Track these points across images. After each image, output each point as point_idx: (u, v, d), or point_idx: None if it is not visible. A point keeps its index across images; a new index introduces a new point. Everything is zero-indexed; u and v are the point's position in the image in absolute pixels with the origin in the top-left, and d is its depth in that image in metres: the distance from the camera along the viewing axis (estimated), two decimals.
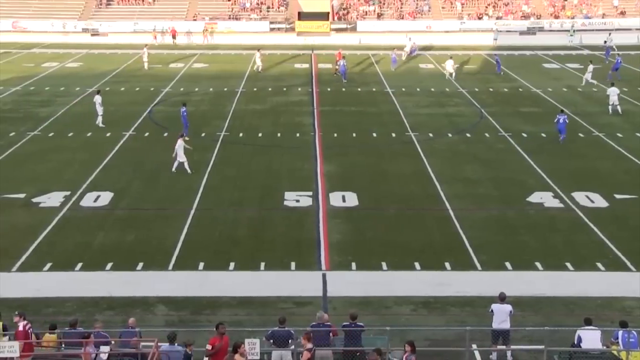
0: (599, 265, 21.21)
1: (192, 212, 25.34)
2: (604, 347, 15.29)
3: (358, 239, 23.29)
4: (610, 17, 71.47)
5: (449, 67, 49.61)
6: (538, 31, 69.55)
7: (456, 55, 59.42)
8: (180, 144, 29.02)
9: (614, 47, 59.22)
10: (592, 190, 27.13)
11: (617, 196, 26.55)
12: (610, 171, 29.71)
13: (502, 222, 24.65)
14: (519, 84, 48.00)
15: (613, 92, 39.08)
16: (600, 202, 26.11)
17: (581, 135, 35.09)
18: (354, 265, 21.34)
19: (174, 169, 28.90)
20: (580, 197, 26.53)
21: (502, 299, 16.65)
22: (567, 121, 34.32)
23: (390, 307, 19.00)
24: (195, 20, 70.59)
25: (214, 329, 14.95)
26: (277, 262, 21.43)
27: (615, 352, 15.12)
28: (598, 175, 29.05)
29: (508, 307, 16.48)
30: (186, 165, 28.84)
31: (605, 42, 57.68)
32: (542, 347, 14.69)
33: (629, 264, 21.24)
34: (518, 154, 32.07)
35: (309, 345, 14.54)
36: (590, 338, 15.27)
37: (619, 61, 49.61)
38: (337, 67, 50.96)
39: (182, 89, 46.53)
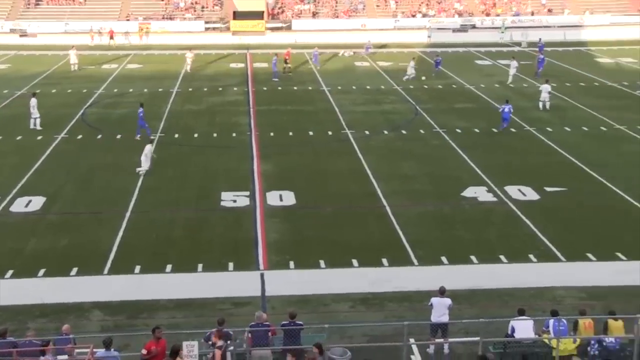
0: (531, 257, 21.70)
1: (128, 214, 24.98)
2: (536, 336, 15.68)
3: (296, 237, 23.31)
4: (539, 15, 73.16)
5: (410, 68, 49.41)
6: (470, 28, 70.70)
7: (391, 52, 60.10)
8: (149, 149, 28.84)
9: (526, 43, 61.27)
10: (524, 183, 27.72)
11: (548, 189, 27.20)
12: (541, 165, 30.41)
13: (437, 217, 24.99)
14: (452, 80, 48.72)
15: (545, 89, 39.86)
16: (532, 195, 26.70)
17: (513, 130, 35.80)
18: (292, 264, 21.36)
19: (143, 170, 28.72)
20: (512, 190, 27.08)
21: (441, 292, 16.88)
22: (512, 110, 35.65)
23: (329, 304, 19.08)
24: (128, 20, 69.56)
25: (151, 333, 14.77)
26: (215, 263, 21.30)
27: (546, 340, 15.51)
28: (529, 169, 29.70)
29: (448, 301, 16.73)
30: (142, 169, 28.59)
31: (539, 39, 58.93)
32: (477, 338, 14.95)
33: (559, 254, 21.79)
34: (453, 150, 32.56)
35: (220, 343, 14.49)
36: (523, 328, 15.64)
37: (543, 59, 50.67)
38: (287, 65, 51.33)
39: (115, 90, 45.81)
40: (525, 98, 42.67)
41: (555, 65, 51.69)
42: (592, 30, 69.72)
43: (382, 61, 56.49)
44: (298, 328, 15.32)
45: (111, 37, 65.46)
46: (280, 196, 26.77)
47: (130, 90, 45.90)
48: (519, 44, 63.99)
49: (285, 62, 51.67)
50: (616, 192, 26.97)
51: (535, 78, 47.54)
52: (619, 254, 21.70)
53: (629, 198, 26.27)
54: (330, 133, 35.55)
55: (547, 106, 39.35)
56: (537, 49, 56.59)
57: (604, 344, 15.52)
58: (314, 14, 72.90)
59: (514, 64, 48.07)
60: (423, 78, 48.25)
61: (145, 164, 28.75)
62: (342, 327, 16.76)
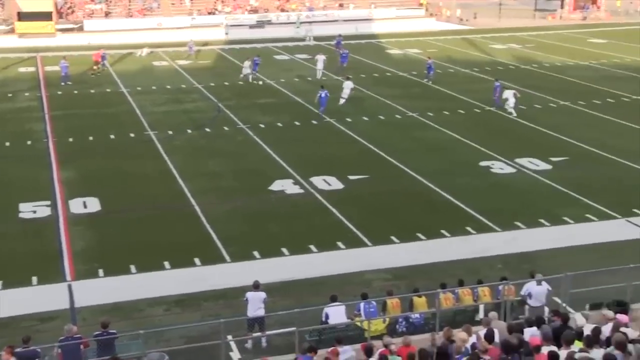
0: (340, 244, 22.45)
1: None
2: (349, 320, 16.29)
3: (103, 244, 22.57)
4: (331, 9, 75.65)
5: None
6: (267, 24, 71.67)
7: (177, 51, 59.53)
8: None
9: (311, 37, 63.29)
10: (329, 173, 28.60)
11: (351, 177, 28.25)
12: (343, 154, 31.52)
13: (247, 212, 25.18)
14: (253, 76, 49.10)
15: (347, 86, 40.37)
16: (336, 184, 27.61)
17: (314, 122, 36.79)
18: (101, 272, 20.65)
19: None
20: (318, 181, 27.86)
21: (256, 286, 17.05)
22: (329, 95, 37.34)
23: (143, 309, 18.67)
24: None
25: None
26: (17, 279, 20.10)
27: (358, 323, 16.16)
28: (333, 159, 30.68)
29: (262, 295, 16.93)
30: None
31: (340, 35, 60.68)
32: (293, 328, 15.26)
33: (365, 239, 22.74)
34: (257, 145, 32.91)
35: None
36: (336, 313, 16.18)
37: (347, 53, 52.18)
38: (98, 67, 49.84)
39: None
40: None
41: (350, 57, 53.56)
42: (380, 23, 73.14)
43: (181, 60, 55.87)
44: (111, 337, 14.85)
45: None
46: (84, 203, 25.77)
47: None
48: (310, 39, 65.11)
49: (96, 64, 50.08)
50: (413, 176, 28.54)
51: (340, 73, 48.32)
52: (420, 235, 23.01)
53: (424, 181, 27.88)
54: (132, 135, 34.68)
55: (342, 102, 40.04)
56: (333, 44, 58.30)
57: (410, 320, 16.44)
58: (107, 14, 70.63)
59: (322, 58, 49.09)
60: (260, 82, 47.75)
61: None
62: (158, 332, 16.45)
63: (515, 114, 37.46)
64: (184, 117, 38.25)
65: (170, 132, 35.13)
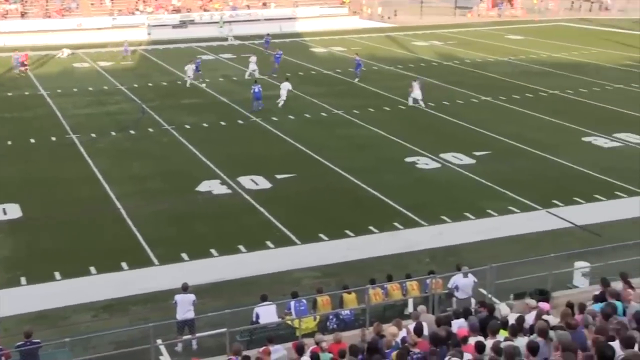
0: (269, 243, 22.43)
1: None
2: (280, 319, 16.29)
3: (26, 251, 21.97)
4: (255, 9, 75.42)
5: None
6: (190, 24, 70.96)
7: (112, 52, 58.49)
8: None
9: (231, 37, 63.03)
10: (256, 173, 28.52)
11: (278, 176, 28.25)
12: (270, 153, 31.49)
13: (174, 214, 24.89)
14: (177, 77, 48.55)
15: (285, 87, 39.92)
16: (264, 183, 27.57)
17: (240, 121, 36.64)
18: (23, 280, 20.10)
19: None
20: (245, 181, 27.75)
21: (184, 288, 16.91)
22: (262, 90, 38.21)
23: (69, 317, 18.26)
24: None
25: None
26: None
27: (289, 322, 16.18)
28: (259, 159, 30.61)
29: (191, 297, 16.80)
30: None
31: (268, 35, 60.38)
32: (224, 329, 15.18)
33: (294, 238, 22.78)
34: (183, 146, 32.57)
35: None
36: (267, 313, 16.17)
37: (280, 54, 51.59)
38: (25, 69, 48.86)
39: None
40: (250, 91, 43.77)
41: (268, 55, 53.44)
42: (304, 22, 73.38)
43: (102, 61, 54.81)
44: (34, 347, 14.47)
45: None
46: (4, 210, 25.04)
47: None
48: (231, 39, 64.62)
49: (23, 65, 49.08)
50: (340, 173, 28.73)
51: (276, 75, 47.93)
52: (348, 231, 23.18)
53: (351, 178, 28.09)
54: (54, 139, 33.84)
55: (281, 104, 39.79)
56: (263, 45, 57.97)
57: (341, 316, 16.56)
58: (23, 14, 68.67)
59: (254, 59, 48.78)
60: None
61: None
62: (85, 339, 16.12)
63: (424, 105, 38.33)
64: (107, 120, 37.54)
65: (94, 135, 34.42)
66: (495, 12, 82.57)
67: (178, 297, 16.78)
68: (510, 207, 25.08)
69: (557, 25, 73.61)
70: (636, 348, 9.73)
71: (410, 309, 16.78)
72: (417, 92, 39.25)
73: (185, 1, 74.55)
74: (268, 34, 60.89)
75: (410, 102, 39.19)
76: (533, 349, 10.18)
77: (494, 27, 73.12)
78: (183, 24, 70.64)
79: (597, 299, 14.09)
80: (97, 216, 24.74)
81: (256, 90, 38.26)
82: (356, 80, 46.22)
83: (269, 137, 34.16)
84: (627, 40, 61.53)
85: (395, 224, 23.78)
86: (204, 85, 45.14)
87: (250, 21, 71.53)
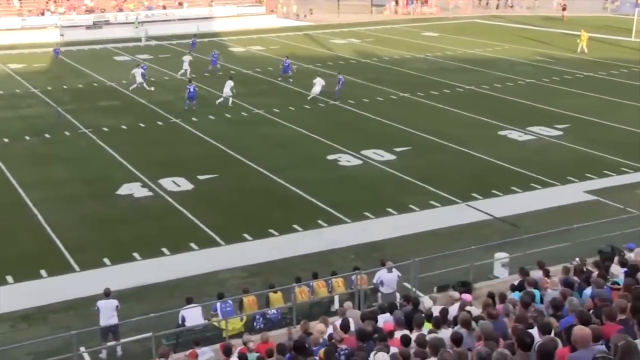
0: (193, 245, 22.23)
1: None
2: (206, 321, 16.18)
3: None
4: (171, 9, 74.53)
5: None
6: (104, 25, 69.56)
7: (22, 54, 56.85)
8: None
9: (145, 37, 62.11)
10: (177, 174, 28.20)
11: (200, 177, 28.01)
12: (191, 154, 31.18)
13: (95, 219, 24.39)
14: (93, 78, 47.56)
15: (228, 85, 39.49)
16: (186, 185, 27.28)
17: (160, 123, 36.16)
18: None
19: None
20: (167, 183, 27.41)
21: (107, 294, 16.62)
22: (197, 90, 38.42)
23: None
24: None
25: None
26: None
27: (216, 324, 16.09)
28: (180, 160, 30.28)
29: (114, 302, 16.52)
30: None
31: (195, 35, 59.57)
32: (149, 334, 14.97)
33: (218, 239, 22.64)
34: (102, 149, 31.92)
35: None
36: (193, 315, 16.03)
37: (216, 55, 50.74)
38: None
39: None
40: (168, 91, 43.30)
41: (195, 57, 52.88)
42: (221, 21, 72.91)
43: (13, 64, 53.15)
44: None
45: None
46: None
47: None
48: (145, 40, 63.43)
49: None
50: (263, 172, 28.68)
51: (217, 74, 47.19)
52: (272, 231, 23.18)
53: (274, 177, 28.09)
54: None
55: (230, 102, 39.26)
56: (190, 46, 57.13)
57: (268, 316, 16.55)
58: None
59: (188, 58, 48.07)
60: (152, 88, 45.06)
61: None
62: (2, 350, 15.63)
63: (228, 102, 38.92)
64: (21, 124, 36.44)
65: (6, 140, 33.38)
66: (410, 9, 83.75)
67: (100, 303, 16.47)
68: (431, 202, 25.54)
69: (471, 22, 75.27)
70: (553, 334, 10.07)
71: (336, 305, 16.91)
72: (315, 89, 39.49)
73: (98, 1, 73.01)
74: (195, 35, 60.20)
75: (311, 96, 39.58)
76: (457, 340, 10.40)
77: (410, 24, 74.23)
78: (97, 25, 69.16)
79: (515, 288, 14.53)
80: (13, 223, 24.03)
81: (191, 89, 38.24)
82: (289, 80, 45.64)
83: (190, 138, 33.82)
84: (537, 36, 63.46)
85: (319, 221, 23.91)
86: (152, 88, 43.85)
87: (167, 21, 70.64)
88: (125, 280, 19.73)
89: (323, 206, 25.18)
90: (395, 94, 42.17)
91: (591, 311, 10.98)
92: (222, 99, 39.55)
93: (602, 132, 33.63)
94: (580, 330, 8.82)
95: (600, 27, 64.03)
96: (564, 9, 75.25)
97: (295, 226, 23.52)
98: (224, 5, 76.39)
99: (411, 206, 25.14)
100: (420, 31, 69.11)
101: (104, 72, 49.34)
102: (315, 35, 67.20)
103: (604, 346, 8.84)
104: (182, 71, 47.23)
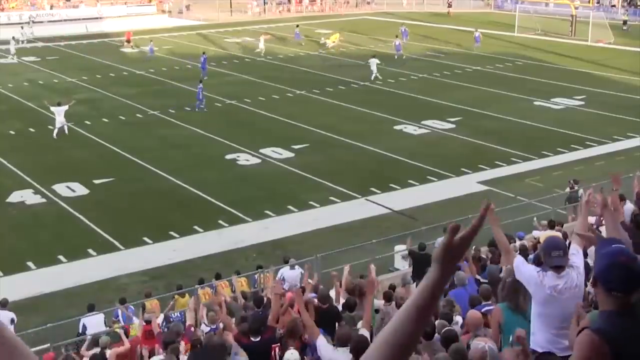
0: (91, 251, 21.70)
1: None
2: (108, 328, 15.82)
3: None
4: (58, 9, 72.24)
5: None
6: None
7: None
8: None
9: (21, 40, 60.04)
10: (72, 180, 27.42)
11: (96, 181, 27.32)
12: (85, 158, 30.38)
13: None
14: None
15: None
16: (81, 190, 26.56)
17: (51, 127, 34.97)
18: None
19: None
20: (61, 188, 26.60)
21: (3, 305, 16.03)
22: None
23: None
24: None
25: None
26: None
27: (117, 330, 15.72)
28: (74, 165, 29.45)
29: (10, 314, 15.93)
30: None
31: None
32: (47, 345, 14.52)
33: (117, 243, 22.18)
34: None
35: None
36: (95, 323, 15.67)
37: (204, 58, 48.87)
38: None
39: None
40: (58, 94, 41.95)
41: (86, 58, 51.67)
42: (111, 22, 71.14)
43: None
44: None
45: None
46: None
47: None
48: (39, 40, 61.37)
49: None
50: (160, 174, 28.25)
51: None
52: (173, 233, 22.89)
53: (172, 178, 27.71)
54: None
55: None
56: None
57: (171, 319, 16.29)
58: None
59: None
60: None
61: None
62: None
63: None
64: None
65: None
66: (302, 6, 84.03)
67: None
68: (331, 197, 25.82)
69: (362, 19, 76.36)
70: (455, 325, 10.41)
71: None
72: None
73: None
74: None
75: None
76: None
77: (303, 21, 74.54)
78: None
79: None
80: None
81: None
82: (205, 78, 44.48)
83: (83, 141, 32.91)
84: (427, 32, 65.00)
85: (220, 221, 23.77)
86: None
87: (54, 22, 68.36)
88: (20, 290, 19.04)
89: (223, 206, 25.04)
90: (292, 91, 42.32)
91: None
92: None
93: (492, 124, 34.81)
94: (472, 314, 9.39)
95: (486, 23, 66.18)
96: (449, 6, 77.60)
97: (195, 227, 23.30)
98: (113, 6, 74.60)
99: (311, 203, 25.32)
100: (314, 28, 69.51)
101: None
102: (209, 34, 66.56)
103: None
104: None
